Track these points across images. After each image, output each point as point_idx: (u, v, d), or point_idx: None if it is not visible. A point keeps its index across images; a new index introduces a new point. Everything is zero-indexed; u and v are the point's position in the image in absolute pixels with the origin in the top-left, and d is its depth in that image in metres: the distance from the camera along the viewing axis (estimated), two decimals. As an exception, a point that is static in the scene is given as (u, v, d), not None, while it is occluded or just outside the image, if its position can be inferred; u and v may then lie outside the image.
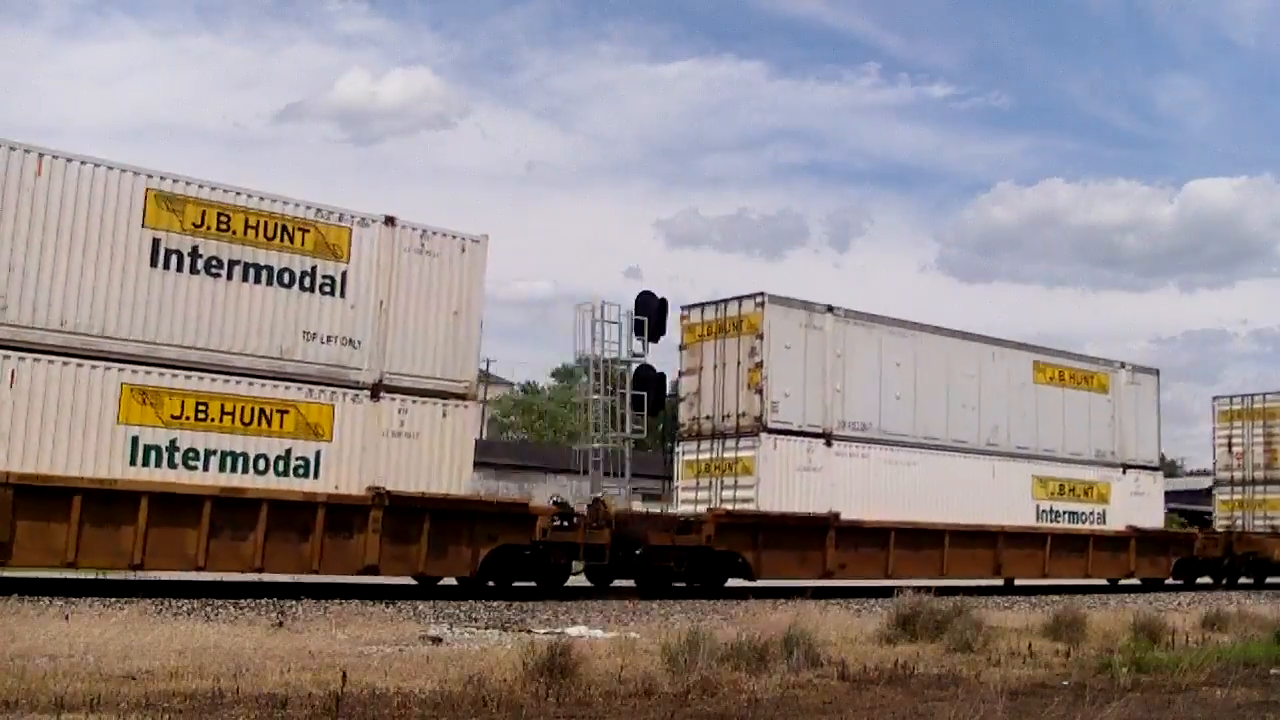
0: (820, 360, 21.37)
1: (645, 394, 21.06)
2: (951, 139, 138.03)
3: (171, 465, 15.14)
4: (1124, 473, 26.71)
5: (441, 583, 18.35)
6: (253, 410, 15.76)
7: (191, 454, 15.27)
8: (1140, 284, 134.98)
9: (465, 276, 17.63)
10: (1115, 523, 26.23)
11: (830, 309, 21.70)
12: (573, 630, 12.43)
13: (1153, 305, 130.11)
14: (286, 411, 16.00)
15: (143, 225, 15.20)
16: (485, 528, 17.28)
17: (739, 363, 20.92)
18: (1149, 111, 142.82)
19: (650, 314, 21.36)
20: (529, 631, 12.24)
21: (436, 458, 17.07)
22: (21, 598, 12.64)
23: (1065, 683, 9.45)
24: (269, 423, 15.86)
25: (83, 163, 14.87)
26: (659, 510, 21.73)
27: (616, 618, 14.70)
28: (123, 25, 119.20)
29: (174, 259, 15.39)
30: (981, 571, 23.15)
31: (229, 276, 15.76)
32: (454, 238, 17.63)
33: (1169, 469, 73.95)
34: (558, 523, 18.28)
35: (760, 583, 19.78)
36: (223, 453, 15.48)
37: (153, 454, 15.03)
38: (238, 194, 15.95)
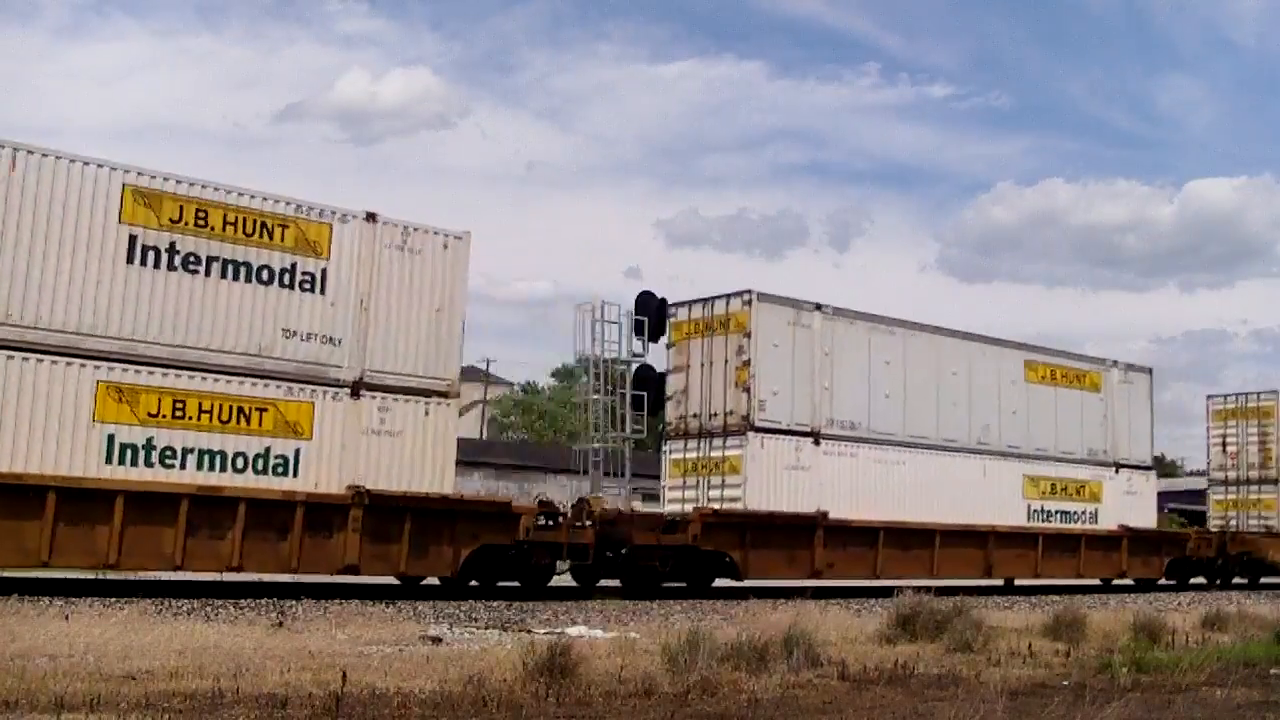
0: (808, 358, 21.21)
1: (645, 394, 21.04)
2: (951, 139, 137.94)
3: (148, 464, 14.99)
4: (1116, 472, 26.55)
5: (424, 582, 18.20)
6: (231, 408, 15.60)
7: (168, 452, 15.12)
8: (1140, 284, 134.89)
9: (448, 273, 17.47)
10: (1107, 522, 26.07)
11: (818, 307, 21.54)
12: (573, 630, 12.41)
13: (1153, 305, 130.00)
14: (265, 409, 15.85)
15: (119, 221, 15.04)
16: (467, 527, 17.12)
17: (726, 361, 20.76)
18: (1149, 111, 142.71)
19: (650, 314, 21.34)
20: (529, 631, 12.24)
21: (418, 456, 16.92)
22: (21, 598, 12.62)
23: (1065, 683, 9.42)
24: (248, 421, 15.70)
25: (58, 158, 14.72)
26: (658, 510, 21.57)
27: (616, 618, 14.69)
28: (123, 25, 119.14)
29: (151, 255, 15.24)
30: (972, 571, 22.98)
31: (207, 273, 15.61)
32: (436, 234, 17.47)
33: (1169, 469, 73.92)
34: (541, 522, 18.12)
35: (750, 582, 19.64)
36: (200, 451, 15.33)
37: (129, 452, 14.88)
38: (216, 189, 15.80)
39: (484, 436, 70.23)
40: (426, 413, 17.04)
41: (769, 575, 20.50)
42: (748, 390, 20.32)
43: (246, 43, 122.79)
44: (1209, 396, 32.37)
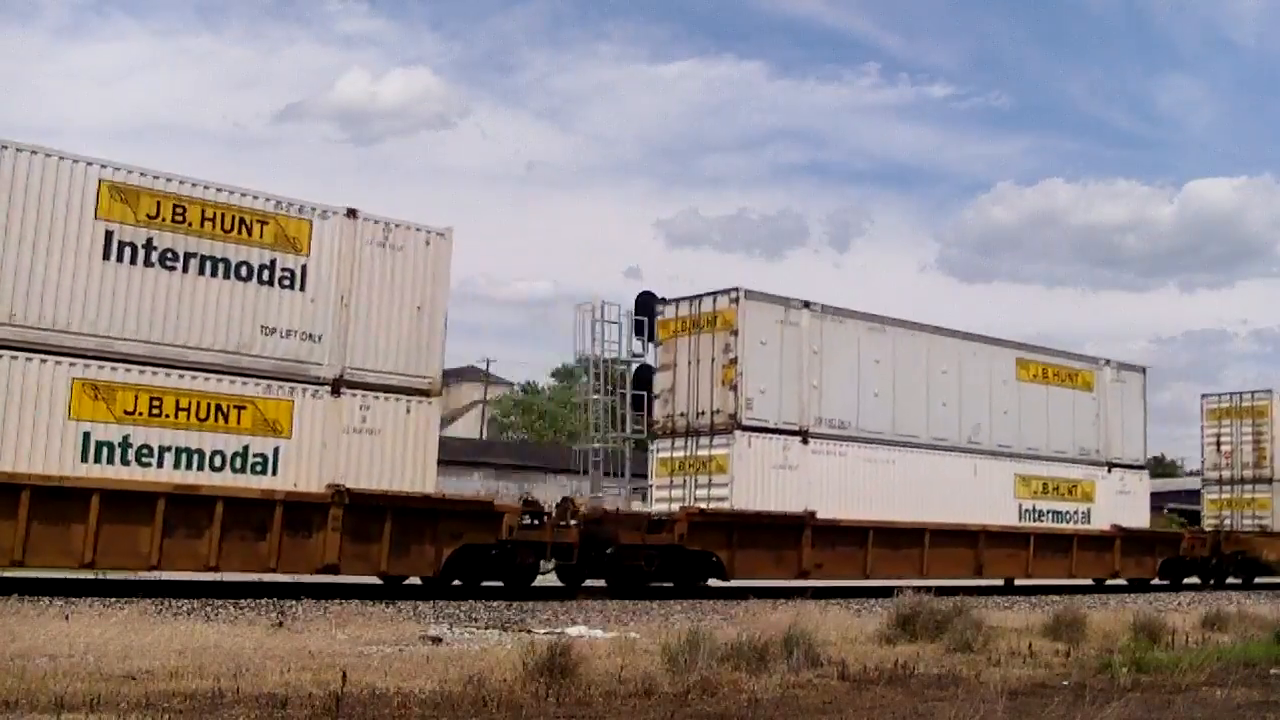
0: (796, 356, 21.04)
1: (645, 394, 20.90)
2: (951, 139, 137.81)
3: (124, 462, 14.83)
4: (1109, 471, 26.38)
5: (406, 582, 18.04)
6: (209, 406, 15.44)
7: (145, 450, 14.96)
8: (1140, 284, 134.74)
9: (430, 270, 17.31)
10: (1100, 522, 25.90)
11: (807, 305, 21.37)
12: (573, 630, 12.37)
13: (1153, 305, 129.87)
14: (244, 407, 15.69)
15: (95, 217, 14.88)
16: (449, 526, 16.96)
17: (713, 359, 20.59)
18: (1149, 111, 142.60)
19: (650, 314, 21.32)
20: (529, 631, 12.20)
21: (399, 455, 16.76)
22: (21, 598, 12.56)
23: (1065, 683, 9.39)
24: (225, 419, 15.54)
25: (33, 153, 14.55)
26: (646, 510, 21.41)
27: (616, 618, 14.61)
28: (123, 25, 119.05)
29: (128, 251, 15.07)
30: (962, 572, 22.79)
31: (184, 269, 15.44)
32: (418, 231, 17.31)
33: (1169, 470, 73.63)
34: (525, 521, 17.96)
35: (740, 582, 19.49)
36: (177, 449, 15.17)
37: (105, 450, 14.71)
38: (194, 185, 15.63)
39: (484, 436, 70.13)
40: (408, 411, 16.88)
41: (756, 575, 20.33)
42: (735, 389, 20.16)
43: (246, 43, 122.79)
44: (1203, 395, 32.20)
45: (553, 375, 74.37)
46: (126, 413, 14.88)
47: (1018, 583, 25.42)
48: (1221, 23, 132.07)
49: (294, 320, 16.18)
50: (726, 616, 14.22)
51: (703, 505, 19.97)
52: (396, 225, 17.12)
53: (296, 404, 16.05)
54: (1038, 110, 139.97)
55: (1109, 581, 26.74)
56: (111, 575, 16.14)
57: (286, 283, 16.17)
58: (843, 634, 12.22)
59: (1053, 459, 25.22)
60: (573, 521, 18.36)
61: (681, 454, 20.76)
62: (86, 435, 14.60)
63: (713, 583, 20.31)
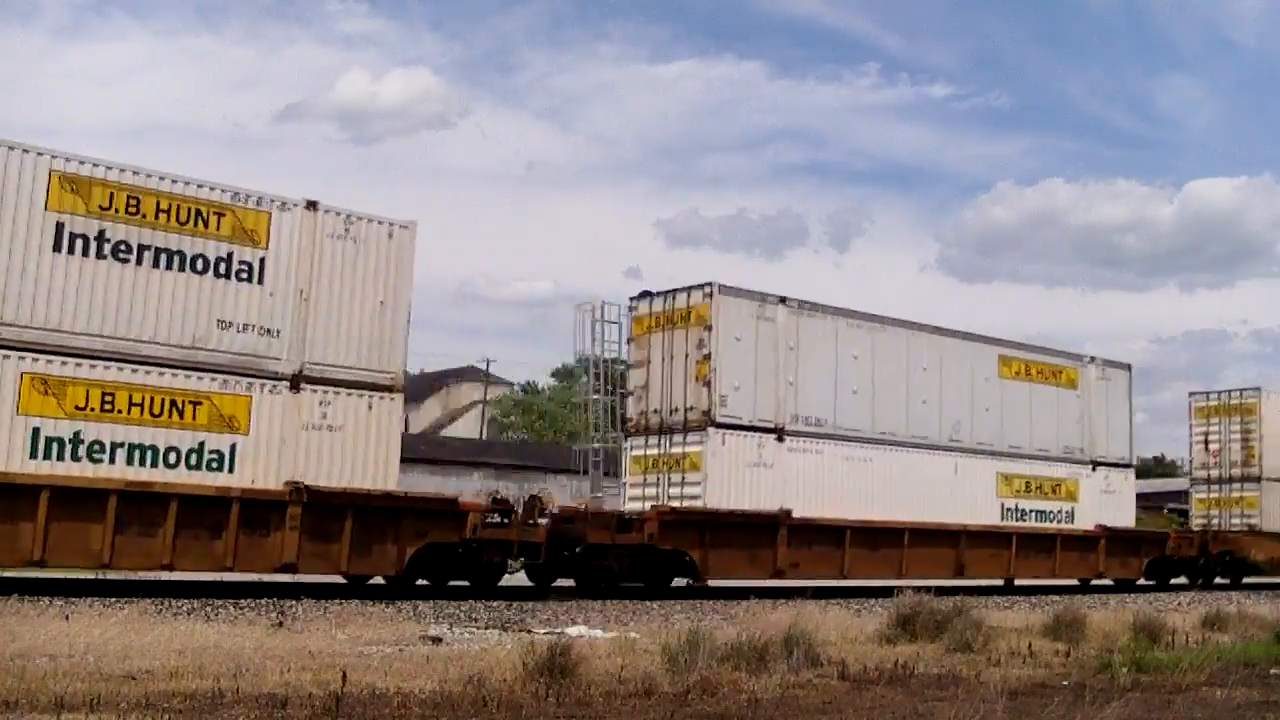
0: (772, 352, 20.71)
1: None
2: (951, 139, 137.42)
3: (75, 458, 14.51)
4: (1094, 470, 26.04)
5: (370, 582, 17.73)
6: (163, 401, 15.12)
7: (96, 446, 14.64)
8: (1140, 284, 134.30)
9: (393, 264, 16.99)
10: (1084, 521, 25.56)
11: (783, 300, 21.04)
12: (572, 630, 12.32)
13: (1153, 305, 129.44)
14: (199, 403, 15.37)
15: (45, 208, 14.55)
16: (412, 524, 16.64)
17: (687, 355, 20.25)
18: (1149, 111, 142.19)
19: None
20: (529, 631, 12.17)
21: (361, 452, 16.44)
22: (21, 598, 12.46)
23: (1065, 683, 9.36)
24: (180, 414, 15.22)
25: (-19, 142, 14.25)
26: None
27: (616, 618, 14.57)
28: (123, 25, 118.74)
29: (79, 243, 14.74)
30: (943, 572, 22.44)
31: (138, 262, 15.12)
32: (381, 223, 16.99)
33: (1169, 469, 73.21)
34: (492, 519, 17.66)
35: (725, 582, 19.28)
36: (130, 445, 14.84)
37: (55, 446, 14.39)
38: (148, 176, 15.31)
39: (484, 436, 69.90)
40: (370, 407, 16.57)
41: (730, 575, 20.02)
42: (708, 385, 19.83)
43: (246, 43, 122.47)
44: (1191, 394, 31.82)
45: (553, 375, 74.25)
46: (78, 408, 14.56)
47: (1018, 582, 25.14)
48: (1221, 23, 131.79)
49: (252, 314, 15.86)
50: (726, 616, 14.25)
51: (675, 504, 19.65)
52: (358, 218, 16.80)
53: (254, 400, 15.74)
54: (1038, 110, 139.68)
55: (1094, 582, 26.42)
56: (111, 575, 15.99)
57: (244, 276, 15.85)
58: (843, 634, 12.22)
59: (1036, 457, 24.88)
60: (540, 520, 18.05)
61: (655, 451, 20.43)
62: (36, 431, 14.27)
63: (725, 583, 19.99)
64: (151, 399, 15.03)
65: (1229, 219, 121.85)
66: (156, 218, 15.26)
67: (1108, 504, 26.11)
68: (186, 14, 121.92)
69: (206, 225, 15.62)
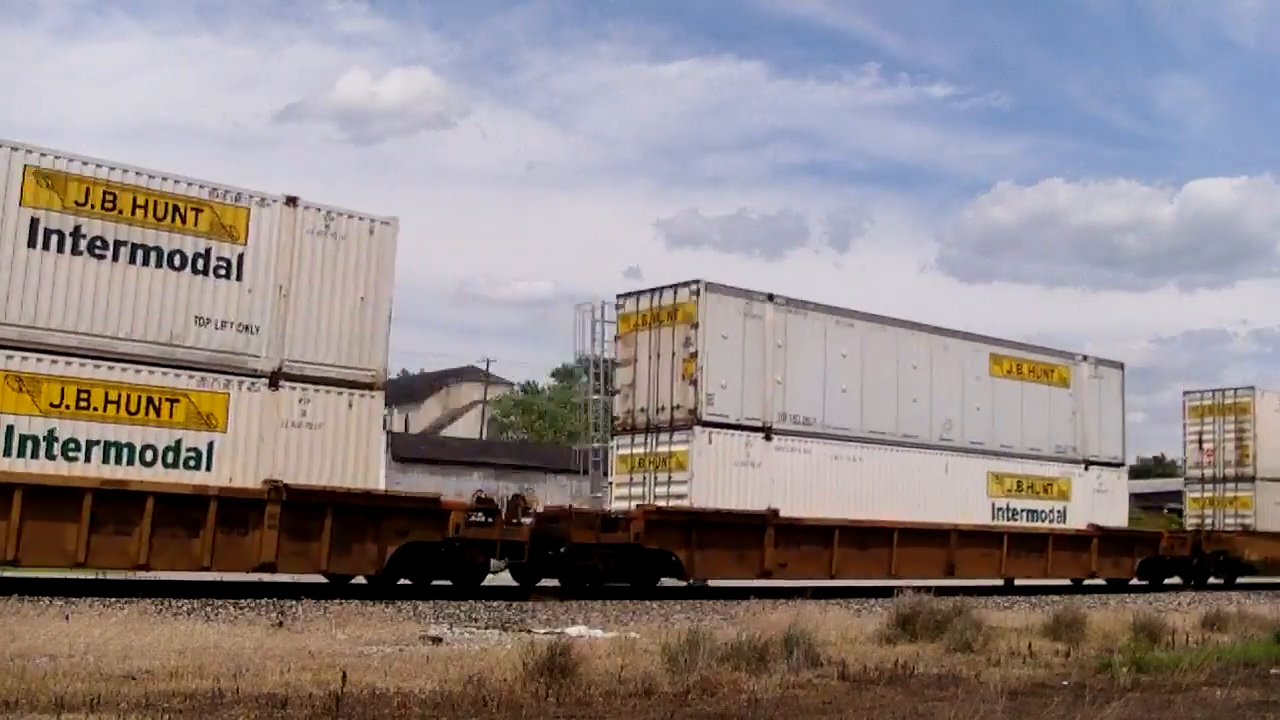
0: (760, 351, 20.53)
1: None
2: (951, 139, 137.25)
3: (50, 456, 14.37)
4: (1086, 469, 25.86)
5: (353, 581, 17.57)
6: (140, 399, 14.97)
7: (72, 444, 14.49)
8: (1140, 284, 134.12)
9: (373, 260, 16.84)
10: (1076, 521, 25.39)
11: (770, 297, 20.86)
12: (572, 630, 12.29)
13: (1153, 305, 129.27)
14: (177, 400, 15.22)
15: (20, 204, 14.40)
16: (393, 523, 16.48)
17: (674, 353, 20.08)
18: (1149, 111, 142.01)
19: None
20: (529, 631, 12.16)
21: (341, 450, 16.29)
22: (21, 598, 12.43)
23: (1065, 683, 9.36)
24: (157, 412, 15.07)
25: (-47, 137, 14.10)
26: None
27: (616, 618, 14.54)
28: (123, 25, 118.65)
29: (54, 239, 14.60)
30: (933, 572, 22.24)
31: (115, 258, 14.97)
32: (361, 220, 16.85)
33: (1169, 469, 72.89)
34: (475, 519, 17.50)
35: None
36: (106, 443, 14.70)
37: (29, 444, 14.25)
38: (125, 171, 15.17)
39: (484, 436, 69.85)
40: (350, 405, 16.41)
41: (716, 575, 19.88)
42: (695, 383, 19.65)
43: (246, 43, 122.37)
44: (1185, 392, 31.61)
45: (553, 375, 74.23)
46: (52, 405, 14.41)
47: (1018, 582, 24.98)
48: (1221, 23, 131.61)
49: (230, 311, 15.71)
50: (726, 616, 14.22)
51: (661, 503, 19.48)
52: (339, 214, 16.66)
53: (232, 397, 15.59)
54: (1038, 110, 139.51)
55: (1087, 582, 26.26)
56: (112, 575, 15.91)
57: (222, 272, 15.70)
58: (843, 634, 12.19)
59: (1027, 456, 24.71)
60: (524, 520, 17.89)
61: (641, 450, 20.26)
62: (10, 429, 14.14)
63: (724, 583, 19.89)
64: (128, 396, 14.88)
65: (1229, 219, 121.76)
66: (133, 213, 15.12)
67: (1100, 503, 25.93)
68: (186, 14, 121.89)
69: (184, 221, 15.46)
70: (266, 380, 15.84)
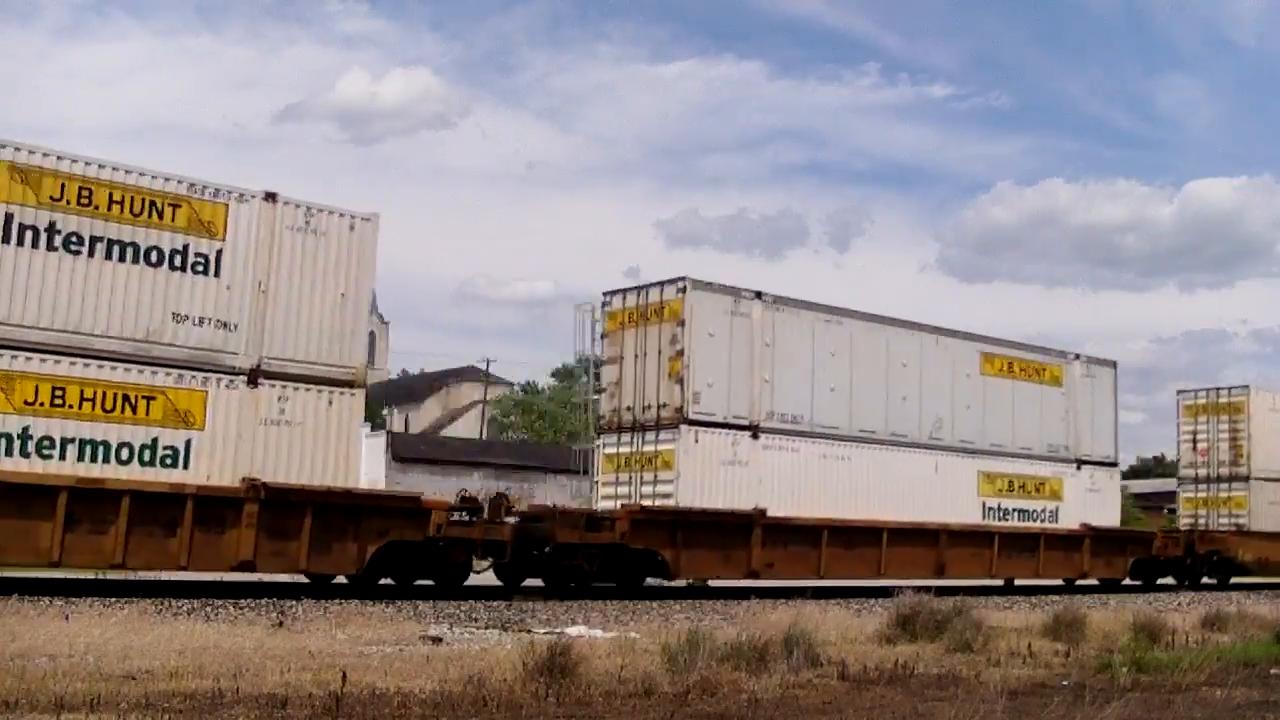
0: (747, 349, 20.37)
1: None
2: (951, 139, 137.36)
3: (24, 454, 14.20)
4: (1078, 469, 25.69)
5: (335, 581, 17.42)
6: (115, 396, 14.81)
7: (46, 442, 14.32)
8: (1140, 284, 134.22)
9: (354, 257, 16.68)
10: (1068, 521, 25.22)
11: (758, 295, 20.70)
12: (572, 630, 12.32)
13: (1153, 305, 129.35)
14: (153, 398, 15.06)
15: (-7, 199, 14.25)
16: (373, 523, 16.32)
17: (660, 351, 19.91)
18: (1149, 111, 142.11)
19: None
20: (529, 631, 12.18)
21: (321, 448, 16.13)
22: (21, 598, 12.41)
23: (1065, 683, 9.37)
24: (134, 409, 14.92)
25: (-74, 131, 13.94)
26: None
27: (616, 618, 14.56)
28: (123, 25, 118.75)
29: (29, 235, 14.43)
30: (922, 572, 22.08)
31: (90, 254, 14.81)
32: (342, 216, 16.69)
33: (1169, 470, 72.62)
34: (457, 517, 17.36)
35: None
36: (81, 441, 14.53)
37: (3, 442, 14.08)
38: (101, 167, 15.01)
39: (484, 436, 69.84)
40: (330, 403, 16.26)
41: (703, 575, 19.75)
42: (681, 382, 19.49)
43: (246, 43, 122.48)
44: (1179, 392, 31.37)
45: (553, 375, 74.32)
46: (26, 403, 14.25)
47: (1018, 582, 24.82)
48: (1221, 23, 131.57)
49: (208, 307, 15.56)
50: (726, 616, 14.25)
51: (647, 502, 19.32)
52: (319, 210, 16.50)
53: (210, 394, 15.43)
54: (1038, 110, 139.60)
55: (1079, 582, 26.09)
56: (112, 575, 15.82)
57: (200, 268, 15.55)
58: (843, 634, 12.21)
59: (1019, 455, 24.53)
60: (507, 519, 17.74)
61: (627, 450, 20.10)
62: (-17, 426, 13.98)
63: (722, 583, 19.76)
64: (104, 394, 14.73)
65: (1229, 219, 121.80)
66: (109, 209, 14.96)
67: (1093, 503, 25.76)
68: (186, 14, 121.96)
69: (161, 217, 15.31)
70: (245, 378, 15.68)
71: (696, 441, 19.48)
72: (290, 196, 16.27)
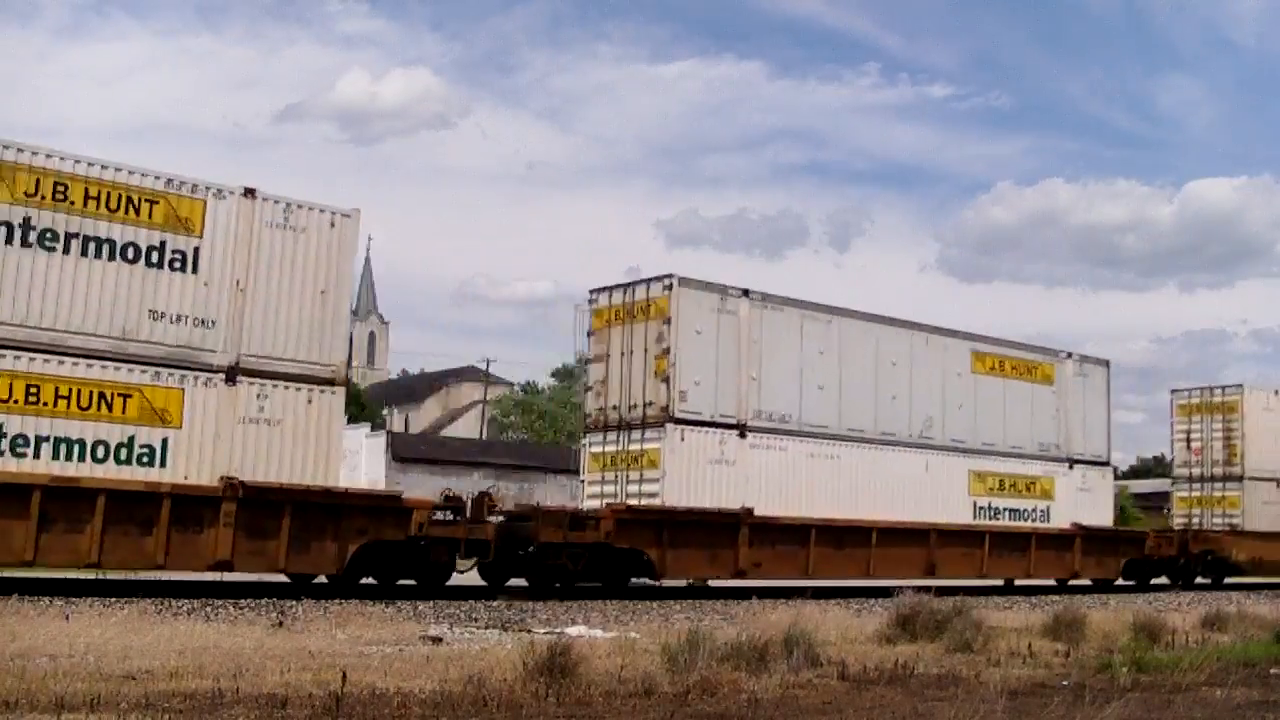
0: (734, 347, 20.21)
1: None
2: (951, 139, 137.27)
3: (-3, 452, 14.05)
4: (1070, 468, 25.53)
5: (315, 581, 17.26)
6: (91, 394, 14.66)
7: (20, 440, 14.19)
8: (1140, 284, 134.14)
9: (334, 253, 16.53)
10: (1060, 520, 25.06)
11: (746, 293, 20.54)
12: (572, 630, 12.32)
13: (1153, 305, 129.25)
14: (129, 395, 14.90)
15: (-33, 194, 14.10)
16: (354, 522, 16.17)
17: (646, 349, 19.76)
18: (1149, 111, 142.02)
19: None
20: (529, 631, 12.19)
21: (300, 446, 15.98)
22: (21, 598, 12.41)
23: (1065, 683, 9.39)
24: (110, 407, 14.76)
25: (-101, 126, 13.78)
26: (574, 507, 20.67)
27: (616, 618, 14.54)
28: (123, 25, 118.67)
29: (3, 231, 14.30)
30: (912, 572, 21.92)
31: (66, 250, 14.66)
32: (322, 212, 16.54)
33: (1167, 470, 72.54)
34: (440, 516, 17.20)
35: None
36: (56, 439, 14.39)
37: (-25, 440, 13.94)
38: (76, 162, 14.87)
39: (484, 436, 69.73)
40: (309, 401, 16.10)
41: (689, 575, 19.60)
42: (667, 380, 19.34)
43: (246, 43, 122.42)
44: (1173, 391, 31.23)
45: (553, 375, 74.36)
46: (0, 400, 14.10)
47: (1024, 582, 24.64)
48: (1221, 23, 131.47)
49: (185, 305, 15.41)
50: (726, 616, 14.24)
51: (633, 501, 19.16)
52: (298, 206, 16.35)
53: (187, 392, 15.28)
54: (1038, 110, 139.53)
55: (1071, 582, 25.93)
56: (112, 575, 15.72)
57: (178, 265, 15.40)
58: (843, 634, 12.20)
59: (1010, 455, 24.37)
60: (490, 518, 17.58)
61: (613, 448, 19.93)
62: (-44, 424, 13.83)
63: (724, 584, 19.62)
64: (79, 391, 14.58)
65: (1229, 219, 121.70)
66: (85, 205, 14.81)
67: (1084, 502, 25.61)
68: (186, 14, 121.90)
69: (138, 213, 15.16)
70: (223, 375, 15.53)
71: (683, 440, 19.33)
72: (269, 192, 16.12)
